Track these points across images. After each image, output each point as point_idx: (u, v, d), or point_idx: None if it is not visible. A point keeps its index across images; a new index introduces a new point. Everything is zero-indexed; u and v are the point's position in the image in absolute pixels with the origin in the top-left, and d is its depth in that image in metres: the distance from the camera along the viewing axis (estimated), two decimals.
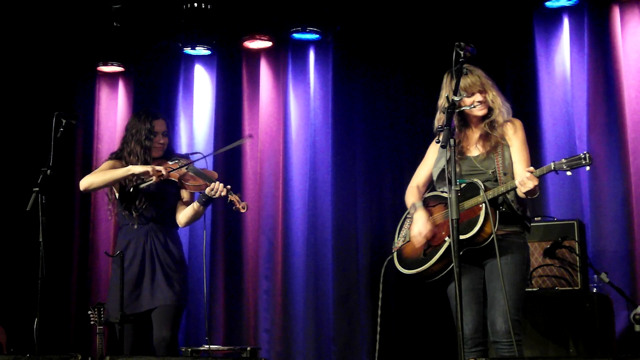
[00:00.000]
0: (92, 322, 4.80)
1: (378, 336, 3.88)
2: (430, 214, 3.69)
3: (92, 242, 6.28)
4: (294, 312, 5.88)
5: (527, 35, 5.55)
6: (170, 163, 4.26)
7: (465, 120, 3.69)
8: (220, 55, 6.28)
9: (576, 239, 4.60)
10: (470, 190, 3.53)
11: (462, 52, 3.30)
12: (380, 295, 3.84)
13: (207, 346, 4.79)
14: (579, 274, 4.57)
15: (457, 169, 3.45)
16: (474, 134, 3.69)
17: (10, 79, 6.22)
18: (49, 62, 6.24)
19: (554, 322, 4.49)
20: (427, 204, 3.74)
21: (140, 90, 6.41)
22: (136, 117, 4.33)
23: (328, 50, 6.07)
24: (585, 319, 4.45)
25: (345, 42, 6.00)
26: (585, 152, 3.33)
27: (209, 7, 5.79)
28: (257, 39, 6.04)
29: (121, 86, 6.49)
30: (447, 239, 3.52)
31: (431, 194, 3.79)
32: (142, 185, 4.13)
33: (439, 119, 3.64)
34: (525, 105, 5.41)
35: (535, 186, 3.36)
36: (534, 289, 4.61)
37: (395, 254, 3.79)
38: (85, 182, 4.18)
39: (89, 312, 4.85)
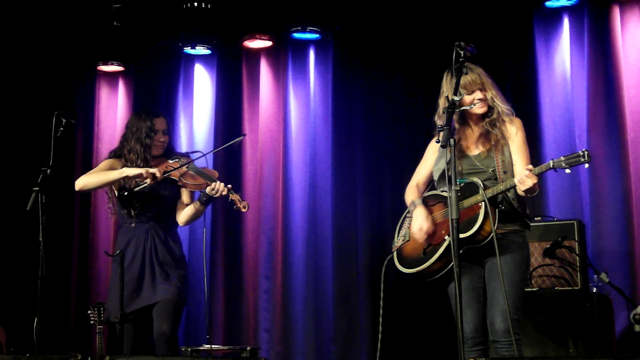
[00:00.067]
0: (92, 322, 4.80)
1: (380, 335, 3.88)
2: (429, 212, 3.69)
3: (92, 241, 6.29)
4: (293, 312, 5.88)
5: (527, 35, 5.54)
6: (170, 162, 4.26)
7: (465, 119, 3.69)
8: (220, 54, 6.28)
9: (576, 239, 4.60)
10: (470, 189, 3.54)
11: (462, 52, 3.30)
12: (382, 295, 3.84)
13: (209, 345, 4.80)
14: (578, 274, 4.57)
15: (458, 168, 3.45)
16: (474, 132, 3.69)
17: (10, 78, 6.22)
18: (49, 62, 6.24)
19: (553, 322, 4.49)
20: (427, 202, 3.74)
21: (140, 90, 6.42)
22: (137, 115, 4.33)
23: (328, 50, 6.07)
24: (585, 319, 4.45)
25: (345, 42, 6.00)
26: (584, 149, 3.33)
27: (209, 6, 5.79)
28: (257, 38, 6.04)
29: (121, 85, 6.50)
30: (446, 237, 3.52)
31: (430, 192, 3.79)
32: (137, 188, 4.13)
33: (439, 117, 3.64)
34: (525, 105, 5.41)
35: (535, 184, 3.36)
36: (534, 289, 4.61)
37: (395, 253, 3.79)
38: (80, 183, 4.18)
39: (89, 312, 4.84)
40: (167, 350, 4.01)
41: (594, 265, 4.72)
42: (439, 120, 3.64)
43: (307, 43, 6.12)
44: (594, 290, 4.65)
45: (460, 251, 3.25)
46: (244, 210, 4.11)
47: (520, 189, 3.40)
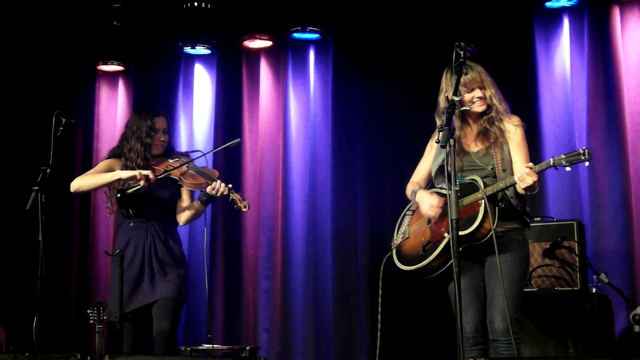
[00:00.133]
0: (91, 321, 4.80)
1: (379, 333, 3.88)
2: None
3: (92, 241, 6.29)
4: (293, 312, 5.88)
5: (527, 36, 5.55)
6: (170, 161, 4.26)
7: (465, 117, 3.69)
8: (220, 54, 6.28)
9: (576, 239, 4.61)
10: (470, 187, 3.54)
11: (462, 52, 3.30)
12: (380, 293, 3.84)
13: (210, 345, 4.79)
14: (578, 274, 4.57)
15: (457, 164, 3.45)
16: (473, 130, 3.70)
17: (10, 77, 6.22)
18: (49, 61, 6.25)
19: (553, 322, 4.49)
20: None
21: (140, 90, 6.42)
22: (137, 114, 4.33)
23: (328, 50, 6.07)
24: (585, 319, 4.45)
25: (345, 42, 6.00)
26: (584, 147, 3.34)
27: (209, 6, 5.79)
28: (257, 38, 6.04)
29: (121, 85, 6.50)
30: (446, 234, 3.52)
31: (430, 190, 3.79)
32: (130, 190, 4.13)
33: (439, 114, 3.65)
34: (525, 106, 5.41)
35: (535, 182, 3.37)
36: (534, 289, 4.61)
37: (394, 251, 3.80)
38: (74, 185, 4.19)
39: (88, 311, 4.84)
40: (165, 348, 4.01)
41: (594, 266, 4.72)
42: (439, 118, 3.64)
43: (307, 43, 6.12)
44: (594, 290, 4.65)
45: (460, 249, 3.25)
46: (244, 209, 4.11)
47: (521, 186, 3.40)
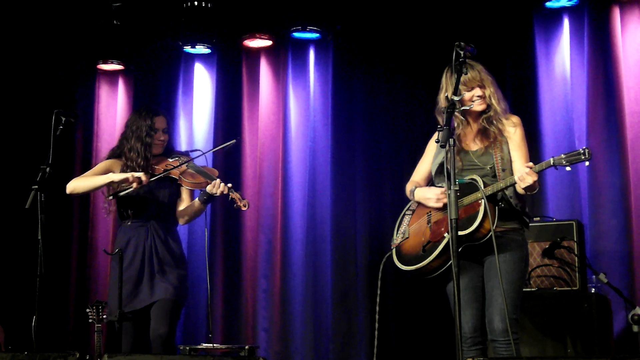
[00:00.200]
0: (90, 320, 4.80)
1: (377, 333, 3.88)
2: (429, 210, 3.70)
3: (91, 240, 6.29)
4: (292, 311, 5.88)
5: (527, 36, 5.55)
6: (170, 160, 4.26)
7: (464, 116, 3.69)
8: (220, 53, 6.28)
9: (575, 239, 4.61)
10: (469, 187, 3.54)
11: (462, 52, 3.30)
12: (379, 292, 3.84)
13: (210, 344, 4.80)
14: (577, 274, 4.57)
15: (457, 164, 3.45)
16: (473, 129, 3.70)
17: (10, 76, 6.22)
18: (49, 60, 6.25)
19: (552, 322, 4.49)
20: None
21: (140, 89, 6.42)
22: (136, 113, 4.33)
23: (328, 49, 6.07)
24: (584, 319, 4.45)
25: (345, 41, 6.00)
26: (584, 147, 3.33)
27: (209, 5, 5.79)
28: (257, 37, 6.04)
29: (121, 84, 6.50)
30: (446, 234, 3.52)
31: (428, 187, 3.80)
32: (122, 193, 4.13)
33: (439, 113, 3.65)
34: (525, 106, 5.42)
35: (535, 181, 3.37)
36: (533, 289, 4.61)
37: (394, 251, 3.80)
38: (69, 187, 4.20)
39: (88, 310, 4.85)
40: (163, 352, 4.00)
41: (593, 266, 4.73)
42: (439, 117, 3.65)
43: (307, 42, 6.12)
44: (593, 290, 4.65)
45: (460, 249, 3.25)
46: (244, 208, 4.11)
47: (520, 186, 3.40)
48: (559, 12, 5.51)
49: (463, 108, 3.56)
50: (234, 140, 4.37)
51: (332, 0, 5.81)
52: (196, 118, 6.33)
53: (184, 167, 4.20)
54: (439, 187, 3.72)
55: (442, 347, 5.14)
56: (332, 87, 6.02)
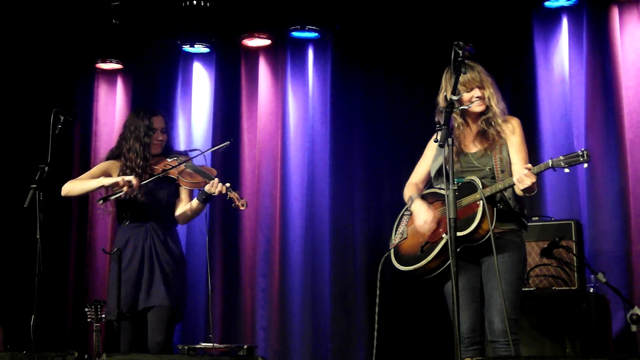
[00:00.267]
0: (89, 320, 4.80)
1: (376, 333, 3.88)
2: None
3: (90, 239, 6.29)
4: (291, 310, 5.88)
5: (526, 35, 5.55)
6: (169, 160, 4.26)
7: (464, 117, 3.69)
8: (219, 53, 6.28)
9: (573, 239, 4.61)
10: (468, 188, 3.54)
11: (460, 52, 3.30)
12: (378, 292, 3.84)
13: (209, 344, 4.80)
14: (576, 274, 4.57)
15: (455, 166, 3.45)
16: (472, 130, 3.69)
17: (9, 75, 6.21)
18: (48, 59, 6.24)
19: (550, 322, 4.49)
20: (426, 200, 3.74)
21: (138, 88, 6.42)
22: (134, 113, 4.32)
23: (327, 49, 6.07)
24: (582, 319, 4.45)
25: (344, 41, 6.00)
26: (583, 149, 3.33)
27: (207, 4, 5.79)
28: (256, 37, 6.04)
29: (120, 83, 6.50)
30: (444, 235, 3.52)
31: (429, 190, 3.79)
32: (113, 197, 4.12)
33: (439, 115, 3.64)
34: (524, 105, 5.42)
35: (534, 183, 3.36)
36: (531, 289, 4.61)
37: (392, 251, 3.80)
38: (64, 190, 4.20)
39: (86, 310, 4.85)
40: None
41: (591, 266, 4.73)
42: (439, 118, 3.64)
43: (306, 42, 6.12)
44: (591, 290, 4.66)
45: (458, 250, 3.25)
46: (242, 208, 4.10)
47: (519, 187, 3.40)
48: (557, 12, 5.51)
49: (462, 107, 3.56)
50: (228, 142, 4.37)
51: None
52: (195, 117, 6.33)
53: (182, 166, 4.20)
54: (438, 189, 3.71)
55: (440, 347, 5.15)
56: (330, 86, 6.02)
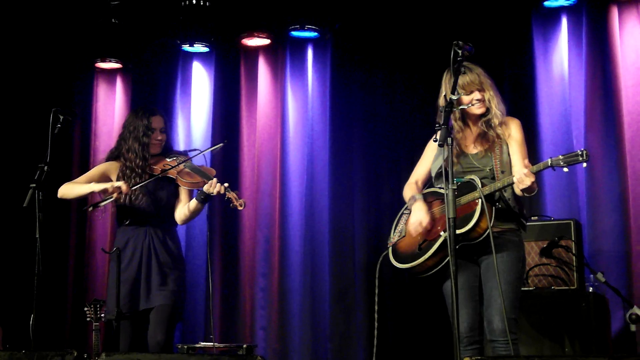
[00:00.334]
0: (88, 319, 4.80)
1: (376, 332, 3.88)
2: (428, 208, 3.70)
3: (89, 238, 6.29)
4: (290, 310, 5.88)
5: (526, 35, 5.55)
6: (168, 160, 4.26)
7: (464, 119, 3.69)
8: (218, 52, 6.28)
9: (573, 239, 4.61)
10: (467, 186, 3.54)
11: (460, 51, 3.30)
12: (377, 291, 3.84)
13: (209, 343, 4.80)
14: (575, 273, 4.57)
15: (455, 166, 3.45)
16: (473, 132, 3.70)
17: (8, 75, 6.21)
18: (47, 59, 6.24)
19: (550, 322, 4.49)
20: (426, 199, 3.74)
21: (138, 87, 6.41)
22: (133, 113, 4.32)
23: (326, 48, 6.07)
24: (581, 319, 4.46)
25: (343, 40, 6.00)
26: (582, 149, 3.34)
27: (207, 4, 5.79)
28: (255, 36, 6.04)
29: (119, 83, 6.49)
30: (442, 233, 3.53)
31: (429, 190, 3.80)
32: (103, 203, 4.13)
33: (440, 117, 3.64)
34: (523, 105, 5.42)
35: (533, 183, 3.36)
36: (530, 288, 4.61)
37: (390, 249, 3.80)
38: (60, 192, 4.22)
39: (85, 309, 4.85)
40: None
41: (591, 265, 4.73)
42: (440, 119, 3.64)
43: (305, 41, 6.12)
44: (591, 289, 4.66)
45: (457, 247, 3.25)
46: (240, 208, 4.10)
47: (519, 187, 3.40)
48: (557, 12, 5.51)
49: (461, 107, 3.56)
50: (221, 144, 4.38)
51: None
52: (194, 117, 6.33)
53: (181, 166, 4.19)
54: (438, 188, 3.71)
55: (439, 346, 5.15)
56: (330, 86, 6.02)
